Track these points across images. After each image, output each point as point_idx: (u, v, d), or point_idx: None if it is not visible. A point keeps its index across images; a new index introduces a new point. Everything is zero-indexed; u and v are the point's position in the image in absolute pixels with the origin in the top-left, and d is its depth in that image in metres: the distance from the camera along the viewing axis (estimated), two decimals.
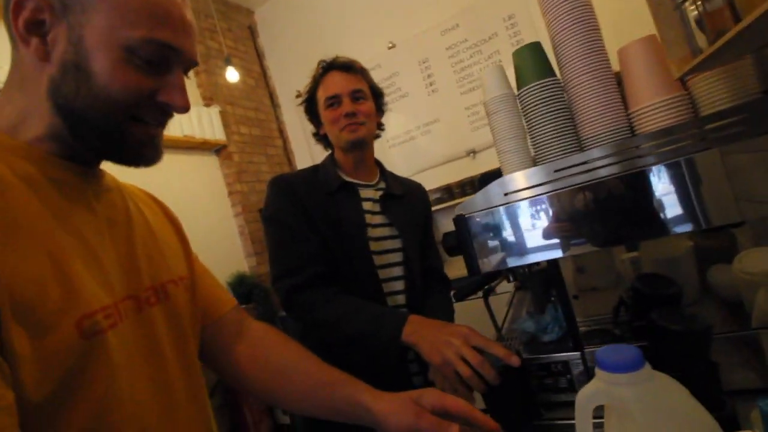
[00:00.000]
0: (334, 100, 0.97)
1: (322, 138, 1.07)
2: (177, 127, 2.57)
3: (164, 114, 0.46)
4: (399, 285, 0.97)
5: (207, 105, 2.90)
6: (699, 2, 0.45)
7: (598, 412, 0.39)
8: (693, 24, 0.48)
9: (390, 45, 3.09)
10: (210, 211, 2.79)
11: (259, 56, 3.61)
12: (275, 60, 3.61)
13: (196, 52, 0.47)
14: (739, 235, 0.87)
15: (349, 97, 0.97)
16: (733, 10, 0.40)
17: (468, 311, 1.22)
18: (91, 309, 0.40)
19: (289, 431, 2.54)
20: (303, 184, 0.97)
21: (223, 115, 2.98)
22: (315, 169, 1.03)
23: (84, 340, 0.39)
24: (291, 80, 3.52)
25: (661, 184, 0.63)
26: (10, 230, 0.36)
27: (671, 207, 0.63)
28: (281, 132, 3.61)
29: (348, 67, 1.00)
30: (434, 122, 3.07)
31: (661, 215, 0.63)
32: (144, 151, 0.46)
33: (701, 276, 0.90)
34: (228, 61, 2.73)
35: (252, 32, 3.61)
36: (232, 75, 2.74)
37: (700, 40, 0.48)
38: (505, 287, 1.23)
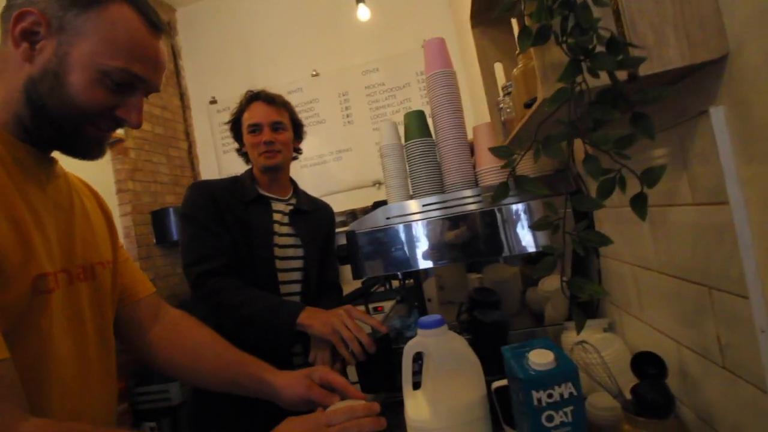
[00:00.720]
0: (255, 128, 1.11)
1: (243, 154, 1.20)
2: None
3: (117, 125, 0.56)
4: (296, 288, 1.11)
5: None
6: (503, 112, 0.74)
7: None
8: (501, 124, 0.76)
9: (314, 73, 3.29)
10: None
11: (174, 54, 3.50)
12: (192, 62, 3.53)
13: (160, 83, 0.58)
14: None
15: (269, 126, 1.11)
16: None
17: None
18: (44, 271, 0.49)
19: None
20: (221, 191, 1.09)
21: None
22: (234, 180, 1.15)
23: (34, 296, 0.47)
24: (206, 85, 3.46)
25: (490, 221, 0.91)
26: None
27: (496, 237, 0.91)
28: (188, 135, 3.49)
29: (271, 99, 1.14)
30: (346, 150, 3.31)
31: (490, 242, 0.91)
32: (91, 148, 0.55)
33: (522, 294, 1.24)
34: None
35: (170, 28, 3.50)
36: None
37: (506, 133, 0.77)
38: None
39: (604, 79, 0.38)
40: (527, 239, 0.92)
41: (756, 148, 0.40)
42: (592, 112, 0.35)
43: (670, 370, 0.57)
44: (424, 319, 0.58)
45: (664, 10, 0.40)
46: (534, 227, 0.46)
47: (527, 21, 0.37)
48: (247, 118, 1.12)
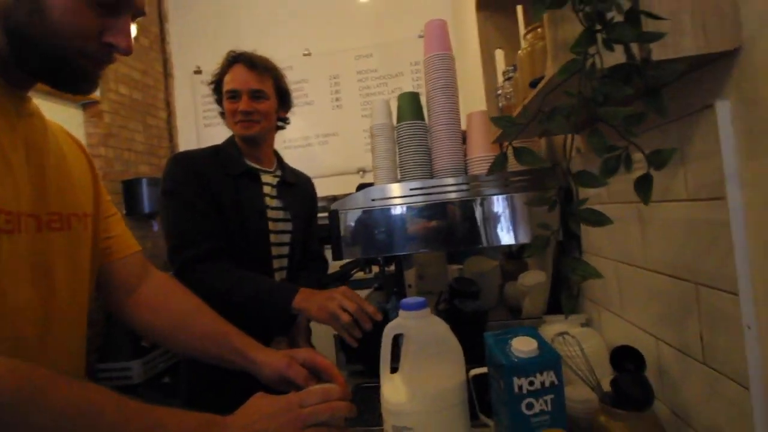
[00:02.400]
0: (234, 94, 1.03)
1: (223, 118, 1.12)
2: None
3: (107, 54, 0.51)
4: (284, 262, 1.08)
5: None
6: (501, 98, 0.72)
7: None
8: (498, 111, 0.75)
9: (306, 52, 3.21)
10: None
11: (161, 18, 3.34)
12: (178, 28, 3.38)
13: (145, 5, 0.53)
14: (529, 261, 1.24)
15: (248, 94, 1.03)
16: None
17: None
18: (9, 210, 0.44)
19: None
20: (206, 164, 1.02)
21: None
22: (216, 150, 1.08)
23: None
24: (192, 54, 3.32)
25: (476, 211, 0.90)
26: None
27: (480, 228, 0.90)
28: (168, 104, 3.35)
29: (253, 64, 1.04)
30: (333, 135, 3.25)
31: (474, 232, 0.90)
32: (82, 81, 0.50)
33: (500, 288, 1.24)
34: None
35: None
36: None
37: None
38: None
39: (617, 57, 0.36)
40: (510, 233, 0.91)
41: (758, 144, 0.39)
42: (603, 87, 0.33)
43: (647, 366, 0.57)
44: (407, 300, 0.56)
45: None
46: (529, 203, 0.45)
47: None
48: (227, 82, 1.05)
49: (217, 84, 1.10)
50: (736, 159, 0.41)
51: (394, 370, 0.56)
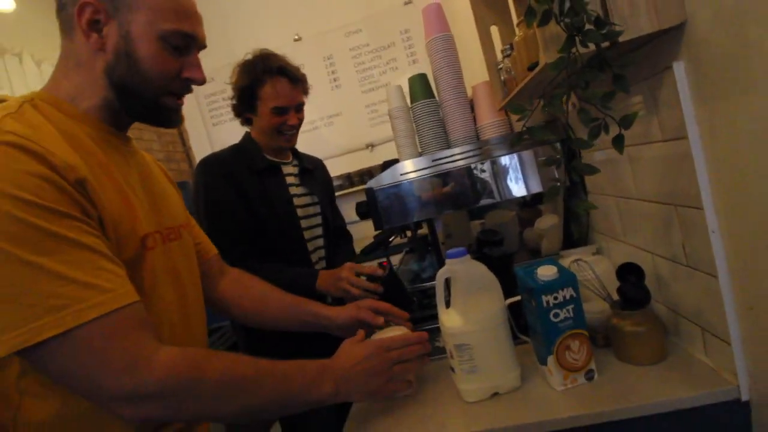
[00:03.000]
0: (282, 111, 1.08)
1: (247, 120, 1.17)
2: None
3: (187, 87, 0.63)
4: (320, 242, 1.24)
5: None
6: (502, 72, 0.84)
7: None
8: (500, 82, 0.87)
9: (296, 37, 3.25)
10: None
11: None
12: None
13: (205, 37, 0.64)
14: (543, 208, 1.37)
15: (294, 109, 1.10)
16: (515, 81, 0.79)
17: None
18: (146, 232, 0.60)
19: None
20: (233, 164, 1.09)
21: None
22: (237, 149, 1.15)
23: (143, 251, 0.58)
24: None
25: (491, 170, 1.03)
26: (97, 174, 0.55)
27: (496, 184, 1.04)
28: None
29: (296, 79, 1.10)
30: (336, 115, 3.34)
31: (491, 189, 1.04)
32: (172, 116, 0.64)
33: (519, 234, 1.39)
34: None
35: None
36: None
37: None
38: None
39: (591, 48, 0.49)
40: (522, 185, 1.05)
41: (706, 93, 0.52)
42: (584, 74, 0.46)
43: (647, 277, 0.72)
44: (452, 251, 0.72)
45: None
46: (544, 163, 0.58)
47: (532, 3, 0.47)
48: (271, 97, 1.07)
49: (245, 91, 1.10)
50: (692, 105, 0.54)
51: (447, 304, 0.72)
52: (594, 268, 0.76)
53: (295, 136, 1.13)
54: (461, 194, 1.05)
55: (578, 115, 0.49)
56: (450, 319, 0.70)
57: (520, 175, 1.04)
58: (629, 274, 0.73)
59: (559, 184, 0.57)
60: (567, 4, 0.45)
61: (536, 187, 1.04)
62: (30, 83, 2.24)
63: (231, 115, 1.19)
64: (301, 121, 1.12)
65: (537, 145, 1.02)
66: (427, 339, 0.72)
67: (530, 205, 1.43)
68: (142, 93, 0.60)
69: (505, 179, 1.05)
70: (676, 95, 0.55)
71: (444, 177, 1.05)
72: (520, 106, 0.52)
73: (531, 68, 0.60)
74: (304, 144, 1.24)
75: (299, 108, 1.11)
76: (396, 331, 0.77)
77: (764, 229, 0.48)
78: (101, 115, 0.61)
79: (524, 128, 0.54)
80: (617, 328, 0.70)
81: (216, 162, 1.12)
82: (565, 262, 0.94)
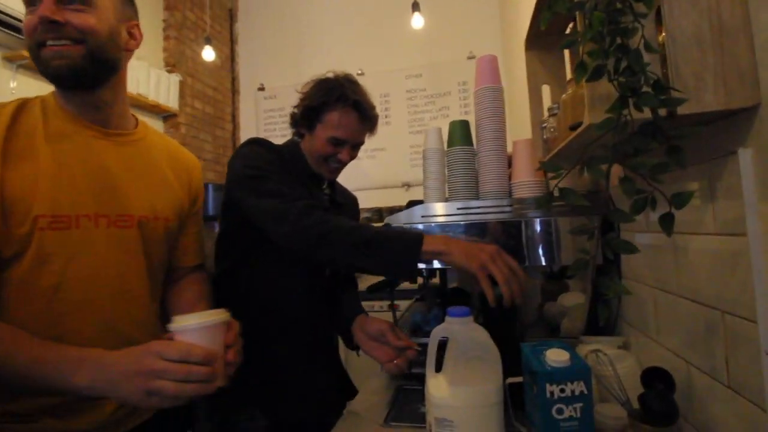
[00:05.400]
0: (339, 143, 0.98)
1: (300, 135, 1.06)
2: (133, 84, 2.55)
3: (46, 29, 0.61)
4: (326, 272, 1.11)
5: (169, 71, 2.91)
6: (545, 131, 0.79)
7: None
8: (542, 141, 0.82)
9: (359, 72, 3.39)
10: None
11: (232, 40, 3.69)
12: (246, 49, 3.71)
13: None
14: (570, 283, 1.27)
15: (350, 145, 1.00)
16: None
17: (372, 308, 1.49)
18: (42, 213, 0.62)
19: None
20: (285, 153, 1.00)
21: (182, 85, 2.99)
22: (284, 147, 1.03)
23: (33, 229, 0.61)
24: (256, 72, 3.63)
25: (519, 232, 0.96)
26: (9, 154, 0.60)
27: (522, 246, 0.96)
28: (234, 117, 3.66)
29: (368, 116, 1.00)
30: (381, 150, 3.39)
31: (515, 250, 0.96)
32: (51, 67, 0.63)
33: (540, 307, 1.28)
34: (207, 41, 2.82)
35: (231, 15, 3.69)
36: (208, 54, 2.83)
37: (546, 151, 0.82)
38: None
39: (646, 113, 0.43)
40: (552, 254, 0.96)
41: None
42: (633, 141, 0.41)
43: (677, 388, 0.61)
44: (453, 308, 0.64)
45: (706, 60, 0.46)
46: (572, 231, 0.52)
47: (585, 57, 0.43)
48: (334, 125, 0.97)
49: (311, 110, 1.00)
50: (756, 200, 0.46)
51: (438, 368, 0.64)
52: (615, 365, 0.66)
53: (339, 170, 1.05)
54: None
55: (621, 184, 0.43)
56: (437, 386, 0.62)
57: (549, 243, 0.96)
58: (657, 380, 0.62)
59: (589, 257, 0.49)
60: (624, 63, 0.40)
61: (565, 259, 0.96)
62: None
63: (284, 132, 1.15)
64: (352, 159, 1.03)
65: (574, 213, 0.94)
66: (220, 360, 0.58)
67: (557, 277, 1.32)
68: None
69: (532, 243, 0.97)
70: (738, 185, 0.48)
71: (466, 228, 0.99)
72: (556, 164, 0.46)
73: (573, 128, 0.55)
74: (345, 171, 1.13)
75: (356, 146, 1.03)
76: (209, 317, 0.60)
77: None
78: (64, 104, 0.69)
79: (555, 188, 0.49)
80: None
81: (266, 142, 0.99)
82: (583, 350, 0.84)
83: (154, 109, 2.80)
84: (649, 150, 0.42)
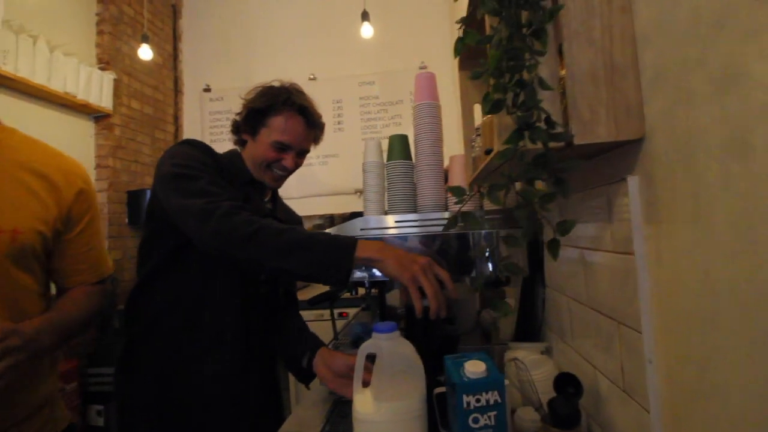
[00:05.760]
0: (284, 148, 0.96)
1: (243, 142, 1.03)
2: (60, 82, 2.35)
3: None
4: (266, 288, 1.05)
5: (102, 68, 2.72)
6: (473, 149, 0.84)
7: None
8: (471, 159, 0.86)
9: (311, 77, 3.37)
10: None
11: (175, 38, 3.51)
12: (191, 48, 3.55)
13: None
14: (507, 292, 1.33)
15: (296, 152, 0.98)
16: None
17: (311, 318, 1.48)
18: None
19: None
20: (221, 160, 0.96)
21: (117, 83, 2.80)
22: (219, 155, 0.99)
23: None
24: (202, 72, 3.48)
25: (456, 244, 1.00)
26: None
27: (459, 259, 1.00)
28: (176, 118, 3.49)
29: (314, 123, 1.00)
30: (333, 156, 3.38)
31: (450, 261, 0.99)
32: None
33: (477, 314, 1.33)
34: (145, 38, 2.66)
35: (174, 11, 3.52)
36: (145, 53, 2.67)
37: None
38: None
39: (540, 146, 0.47)
40: (482, 264, 1.01)
41: (657, 212, 0.50)
42: (528, 171, 0.44)
43: (587, 391, 0.66)
44: (380, 324, 0.65)
45: (600, 94, 0.50)
46: (477, 252, 0.54)
47: (489, 90, 0.46)
48: (278, 130, 0.95)
49: (255, 113, 0.97)
50: (642, 223, 0.52)
51: (366, 384, 0.65)
52: (532, 371, 0.70)
53: (283, 179, 1.02)
54: None
55: (515, 211, 0.46)
56: (362, 402, 0.63)
57: (483, 254, 1.01)
58: (568, 385, 0.67)
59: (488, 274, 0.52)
60: (521, 98, 0.43)
61: (501, 270, 1.00)
62: (37, 65, 2.24)
63: (231, 136, 1.06)
64: (297, 167, 1.01)
65: (508, 226, 0.99)
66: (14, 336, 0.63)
67: (496, 285, 1.39)
68: None
69: (468, 255, 1.01)
70: (627, 209, 0.53)
71: (405, 240, 1.01)
72: (460, 190, 0.49)
73: (488, 153, 0.58)
74: (296, 178, 1.10)
75: (301, 153, 1.01)
76: None
77: (701, 376, 0.43)
78: None
79: (459, 213, 0.51)
80: None
81: (200, 143, 0.95)
82: (510, 356, 0.88)
83: (84, 109, 2.60)
84: (540, 178, 0.45)
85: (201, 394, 0.91)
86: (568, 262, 0.79)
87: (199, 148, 0.94)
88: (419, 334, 0.90)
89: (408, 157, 1.08)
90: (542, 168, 0.43)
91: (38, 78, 2.25)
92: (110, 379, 2.33)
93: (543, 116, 0.43)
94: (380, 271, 0.77)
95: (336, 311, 1.86)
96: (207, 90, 3.46)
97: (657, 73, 0.46)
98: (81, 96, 2.49)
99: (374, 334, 0.65)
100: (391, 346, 0.64)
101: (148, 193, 2.81)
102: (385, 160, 1.10)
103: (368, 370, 0.64)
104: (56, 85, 2.34)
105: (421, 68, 3.28)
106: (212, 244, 0.78)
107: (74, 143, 2.59)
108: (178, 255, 0.91)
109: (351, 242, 0.76)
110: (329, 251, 0.76)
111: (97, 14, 2.77)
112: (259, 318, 1.01)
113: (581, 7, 0.49)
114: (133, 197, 2.80)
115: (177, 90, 3.49)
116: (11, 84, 2.14)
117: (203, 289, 0.92)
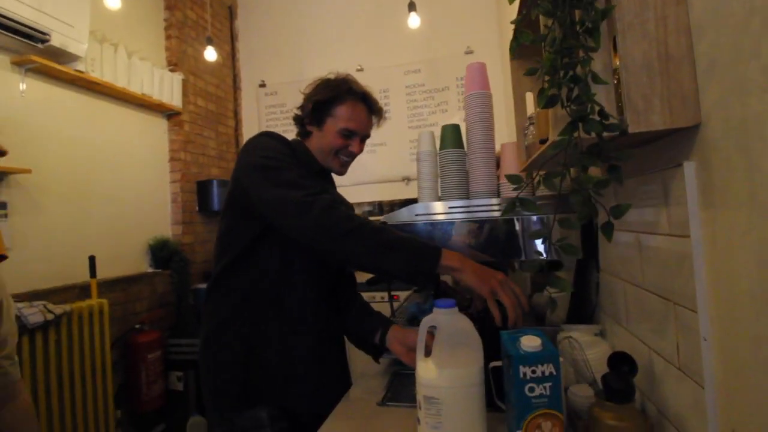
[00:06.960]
0: (351, 134, 1.01)
1: (307, 133, 1.07)
2: (138, 84, 2.62)
3: None
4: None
5: (171, 70, 2.97)
6: (525, 137, 0.86)
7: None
8: (524, 146, 0.89)
9: (359, 68, 3.44)
10: (148, 171, 2.83)
11: (233, 38, 3.73)
12: (246, 46, 3.75)
13: None
14: (560, 275, 1.34)
15: (360, 137, 1.04)
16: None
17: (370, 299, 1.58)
18: None
19: (181, 398, 2.63)
20: (294, 149, 1.01)
21: (185, 83, 3.05)
22: (291, 143, 1.04)
23: None
24: (257, 69, 3.68)
25: (508, 228, 1.03)
26: None
27: (511, 243, 1.03)
28: (236, 114, 3.72)
29: (375, 109, 1.06)
30: (381, 145, 3.45)
31: (503, 246, 1.04)
32: None
33: (529, 298, 1.36)
34: (209, 41, 2.87)
35: (231, 13, 3.73)
36: (210, 54, 2.88)
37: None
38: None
39: (594, 136, 0.50)
40: (535, 248, 1.04)
41: (713, 197, 0.51)
42: (582, 159, 0.47)
43: (641, 371, 0.69)
44: (440, 300, 0.72)
45: (654, 85, 0.52)
46: (530, 236, 0.59)
47: (544, 85, 0.50)
48: (345, 118, 1.01)
49: (321, 104, 1.02)
50: (698, 207, 0.54)
51: (428, 353, 0.72)
52: (585, 350, 0.74)
53: (347, 165, 1.07)
54: (474, 246, 1.06)
55: (570, 196, 0.50)
56: (425, 368, 0.70)
57: (536, 239, 1.04)
58: (622, 364, 0.70)
59: (542, 260, 0.56)
60: (575, 92, 0.47)
61: (553, 253, 1.03)
62: (118, 70, 2.51)
63: (284, 128, 1.14)
64: (361, 152, 1.07)
65: (560, 211, 1.01)
66: None
67: (548, 270, 1.40)
68: None
69: (519, 240, 1.04)
70: (684, 193, 0.55)
71: (459, 226, 1.06)
72: (517, 177, 0.53)
73: (542, 142, 0.62)
74: None
75: (364, 139, 1.07)
76: None
77: (755, 353, 0.45)
78: None
79: (517, 198, 0.56)
80: (597, 418, 0.67)
81: (279, 135, 1.01)
82: (561, 336, 0.91)
83: (159, 108, 2.87)
84: (596, 166, 0.49)
85: (286, 370, 0.98)
86: (624, 246, 0.80)
87: (279, 140, 1.00)
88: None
89: (460, 145, 1.12)
90: (596, 156, 0.47)
91: (120, 82, 2.52)
92: (188, 349, 2.62)
93: (597, 108, 0.46)
94: (459, 279, 0.82)
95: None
96: (262, 85, 3.66)
97: (712, 62, 0.48)
98: (156, 96, 2.76)
99: (435, 309, 0.72)
100: (451, 320, 0.71)
101: (215, 183, 3.08)
102: (438, 150, 1.15)
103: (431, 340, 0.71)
104: (135, 88, 2.60)
105: (467, 53, 3.23)
106: (310, 236, 0.83)
107: (151, 139, 2.88)
108: (260, 243, 0.97)
109: (437, 250, 0.81)
110: (418, 255, 0.81)
111: (164, 20, 3.02)
112: (331, 300, 1.10)
113: (635, 1, 0.51)
114: (202, 187, 3.07)
115: (236, 87, 3.72)
116: (99, 88, 2.42)
117: (284, 276, 0.98)
